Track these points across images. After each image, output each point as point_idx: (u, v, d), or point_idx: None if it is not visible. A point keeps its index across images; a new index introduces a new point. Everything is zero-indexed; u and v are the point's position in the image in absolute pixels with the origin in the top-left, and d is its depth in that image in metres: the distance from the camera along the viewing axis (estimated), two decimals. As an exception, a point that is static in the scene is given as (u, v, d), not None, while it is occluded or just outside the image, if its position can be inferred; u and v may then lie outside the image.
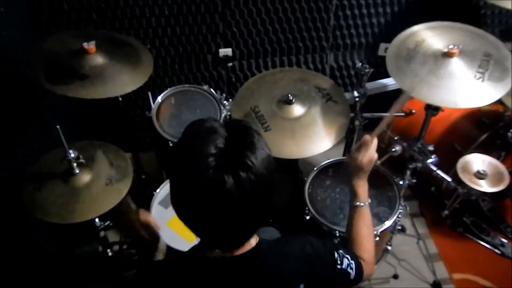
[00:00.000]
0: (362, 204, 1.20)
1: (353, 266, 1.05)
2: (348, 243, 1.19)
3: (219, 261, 0.88)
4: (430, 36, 1.67)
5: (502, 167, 1.73)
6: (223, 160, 0.75)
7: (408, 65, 1.59)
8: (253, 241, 0.91)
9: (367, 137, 1.21)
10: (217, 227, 0.82)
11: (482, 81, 1.51)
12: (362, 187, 1.22)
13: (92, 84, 1.57)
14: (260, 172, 0.77)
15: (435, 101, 1.53)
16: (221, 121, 1.89)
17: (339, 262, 1.01)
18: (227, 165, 0.75)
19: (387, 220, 1.65)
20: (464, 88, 1.51)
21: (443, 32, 1.68)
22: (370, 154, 1.20)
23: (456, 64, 1.56)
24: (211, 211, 0.78)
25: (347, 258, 1.04)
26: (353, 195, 1.22)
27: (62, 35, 1.83)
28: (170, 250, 1.53)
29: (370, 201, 1.22)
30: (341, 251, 1.04)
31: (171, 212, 1.66)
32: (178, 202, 0.83)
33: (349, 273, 1.03)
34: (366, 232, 1.18)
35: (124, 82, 1.64)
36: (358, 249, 1.15)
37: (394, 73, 1.60)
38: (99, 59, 1.65)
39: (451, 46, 1.58)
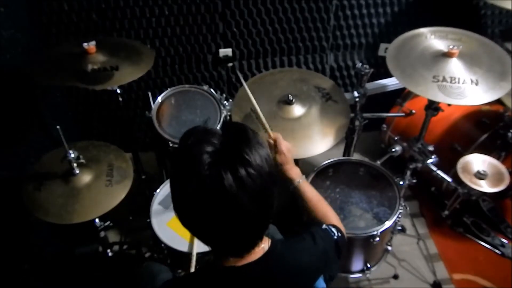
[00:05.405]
0: (299, 181, 1.26)
1: (335, 229, 1.08)
2: (313, 220, 1.23)
3: (232, 270, 0.85)
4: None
5: (502, 167, 1.73)
6: (219, 157, 0.74)
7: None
8: (266, 245, 0.89)
9: (269, 140, 1.33)
10: (223, 230, 0.78)
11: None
12: (293, 170, 1.28)
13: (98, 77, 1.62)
14: (259, 166, 0.75)
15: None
16: (221, 121, 1.89)
17: (333, 235, 1.06)
18: (223, 162, 0.73)
19: (387, 220, 1.65)
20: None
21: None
22: (282, 144, 1.30)
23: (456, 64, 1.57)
24: (213, 212, 0.75)
25: (330, 227, 1.08)
26: (289, 180, 1.28)
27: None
28: (172, 251, 1.53)
29: (304, 177, 1.29)
30: (327, 227, 1.08)
31: (171, 212, 1.66)
32: (181, 208, 0.80)
33: (341, 236, 1.08)
34: (318, 198, 1.24)
35: (128, 70, 1.67)
36: (324, 216, 1.19)
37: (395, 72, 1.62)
38: (100, 57, 1.67)
39: (451, 46, 1.58)
